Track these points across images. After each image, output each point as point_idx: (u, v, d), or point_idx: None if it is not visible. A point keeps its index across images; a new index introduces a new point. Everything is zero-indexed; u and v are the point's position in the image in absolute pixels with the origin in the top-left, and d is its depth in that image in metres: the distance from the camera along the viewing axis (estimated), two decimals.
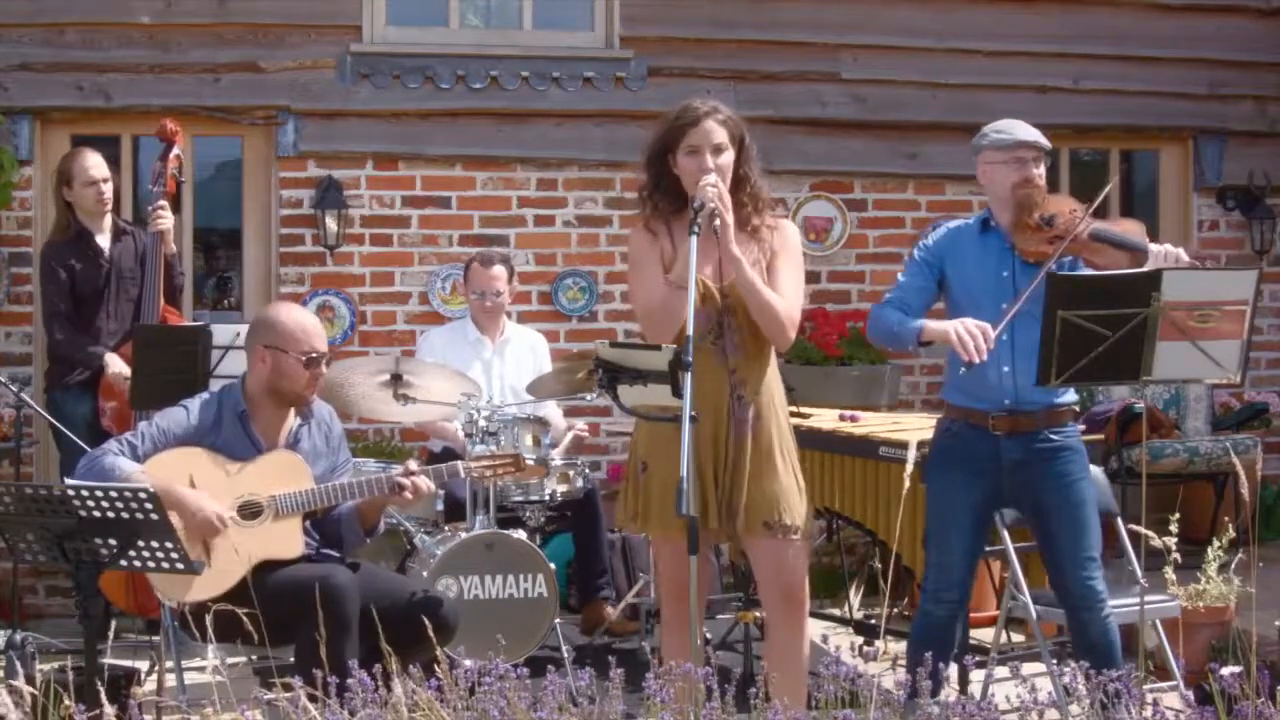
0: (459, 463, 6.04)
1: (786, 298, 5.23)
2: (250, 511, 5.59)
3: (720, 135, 5.20)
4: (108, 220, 7.66)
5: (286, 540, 5.62)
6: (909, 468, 5.42)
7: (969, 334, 5.35)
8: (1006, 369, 5.54)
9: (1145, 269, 5.29)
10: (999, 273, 5.68)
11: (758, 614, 6.82)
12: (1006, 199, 5.72)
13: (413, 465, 5.75)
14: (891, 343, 5.77)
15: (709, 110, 5.24)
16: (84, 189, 7.55)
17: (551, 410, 7.84)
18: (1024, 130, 5.74)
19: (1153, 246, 5.43)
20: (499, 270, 8.02)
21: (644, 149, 5.35)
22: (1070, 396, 5.77)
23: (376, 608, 5.38)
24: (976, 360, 5.33)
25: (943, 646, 5.61)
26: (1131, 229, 5.71)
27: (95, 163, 7.60)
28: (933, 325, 5.54)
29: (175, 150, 7.49)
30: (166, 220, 7.44)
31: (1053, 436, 5.70)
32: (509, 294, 8.11)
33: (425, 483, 5.72)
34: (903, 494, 5.55)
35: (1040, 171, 5.74)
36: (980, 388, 5.66)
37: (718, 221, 5.02)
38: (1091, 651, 5.47)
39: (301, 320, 5.80)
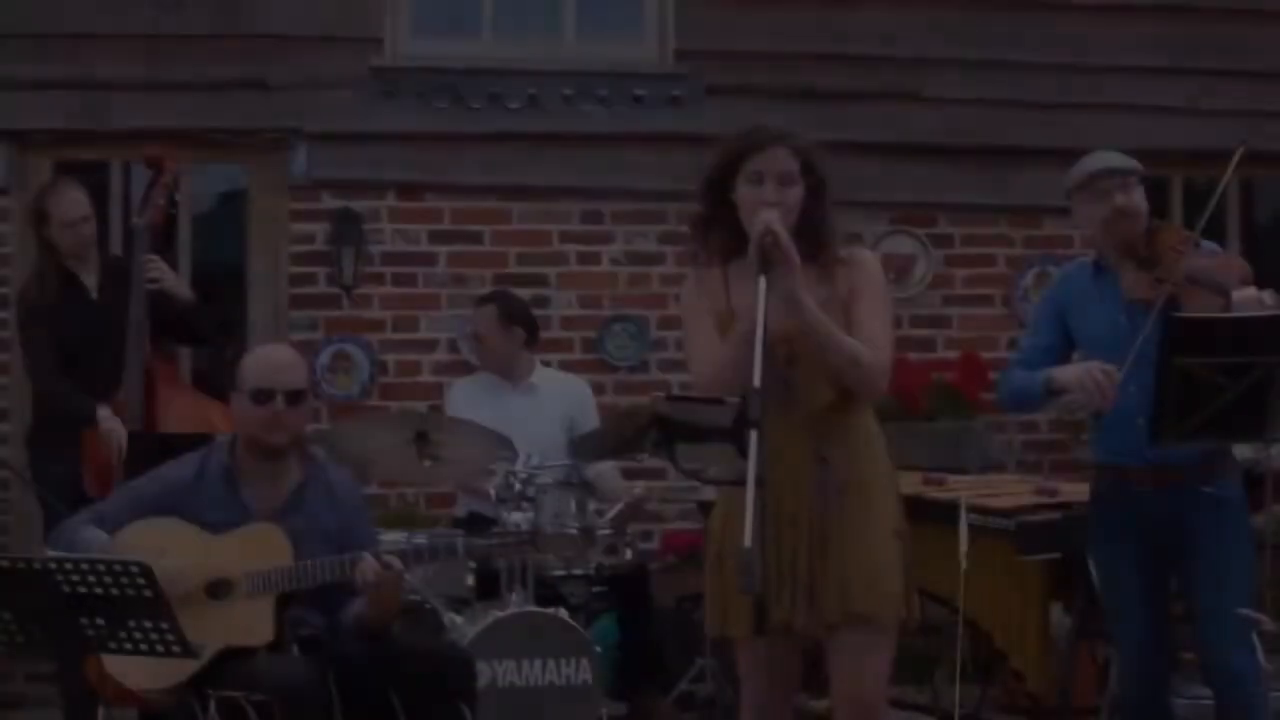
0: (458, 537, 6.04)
1: (872, 340, 4.99)
2: (220, 591, 5.54)
3: (792, 165, 4.90)
4: (93, 256, 7.57)
5: (254, 624, 5.52)
6: (963, 546, 5.37)
7: (1093, 379, 5.46)
8: (1141, 420, 5.40)
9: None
10: (1115, 319, 5.69)
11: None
12: (1101, 237, 5.78)
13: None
14: (1022, 400, 5.95)
15: (780, 135, 4.95)
16: (61, 230, 7.42)
17: (606, 472, 7.77)
18: (1096, 159, 5.77)
19: (1237, 293, 5.40)
20: (486, 310, 8.05)
21: (702, 173, 5.06)
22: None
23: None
24: (1105, 408, 5.48)
25: None
26: (1231, 268, 5.64)
27: (74, 199, 7.44)
28: (1059, 371, 5.68)
29: (164, 178, 7.46)
30: (164, 278, 7.35)
31: (1204, 489, 5.67)
32: (503, 338, 8.01)
33: (394, 563, 5.51)
34: (962, 570, 5.50)
35: (1130, 198, 5.72)
36: (1121, 441, 5.66)
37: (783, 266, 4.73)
38: None
39: (260, 353, 5.80)
